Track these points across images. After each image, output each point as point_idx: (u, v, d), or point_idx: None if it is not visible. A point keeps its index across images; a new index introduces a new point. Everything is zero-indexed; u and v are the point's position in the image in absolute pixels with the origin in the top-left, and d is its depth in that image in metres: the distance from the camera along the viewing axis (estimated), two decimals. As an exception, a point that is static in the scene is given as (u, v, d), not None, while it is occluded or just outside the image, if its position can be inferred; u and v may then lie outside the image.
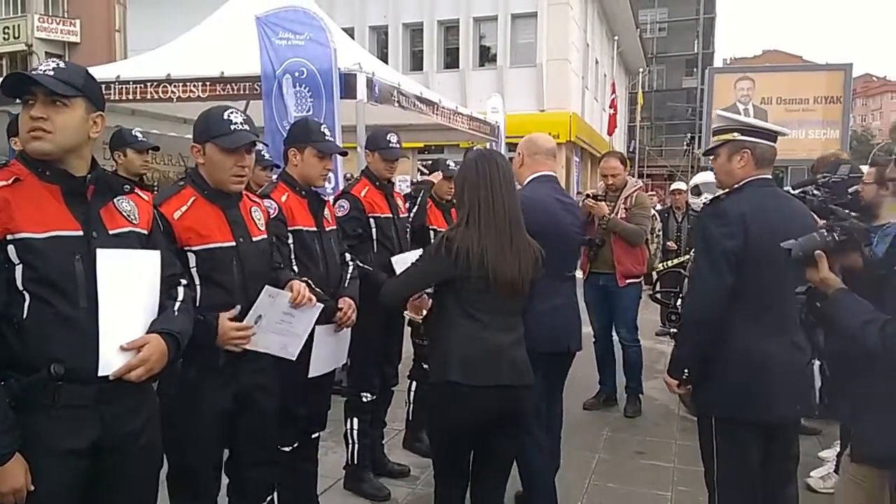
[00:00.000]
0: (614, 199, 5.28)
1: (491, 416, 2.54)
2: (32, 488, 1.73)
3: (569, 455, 3.89)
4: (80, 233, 1.83)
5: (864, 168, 3.51)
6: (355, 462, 3.79)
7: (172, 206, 2.32)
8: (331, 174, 3.52)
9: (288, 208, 2.94)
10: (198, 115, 2.48)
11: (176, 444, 2.25)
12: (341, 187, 4.48)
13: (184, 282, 2.16)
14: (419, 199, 4.29)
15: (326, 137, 3.09)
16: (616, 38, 27.31)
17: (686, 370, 2.63)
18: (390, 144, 3.72)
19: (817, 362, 3.01)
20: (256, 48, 5.23)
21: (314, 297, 2.57)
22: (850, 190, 2.52)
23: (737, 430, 2.54)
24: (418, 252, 2.85)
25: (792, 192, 2.93)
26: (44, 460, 1.75)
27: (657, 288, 7.09)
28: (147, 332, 1.93)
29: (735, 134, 2.58)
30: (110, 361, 1.83)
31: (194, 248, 2.32)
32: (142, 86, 5.83)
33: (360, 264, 3.37)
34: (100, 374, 1.81)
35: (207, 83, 5.66)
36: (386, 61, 15.99)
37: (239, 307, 2.36)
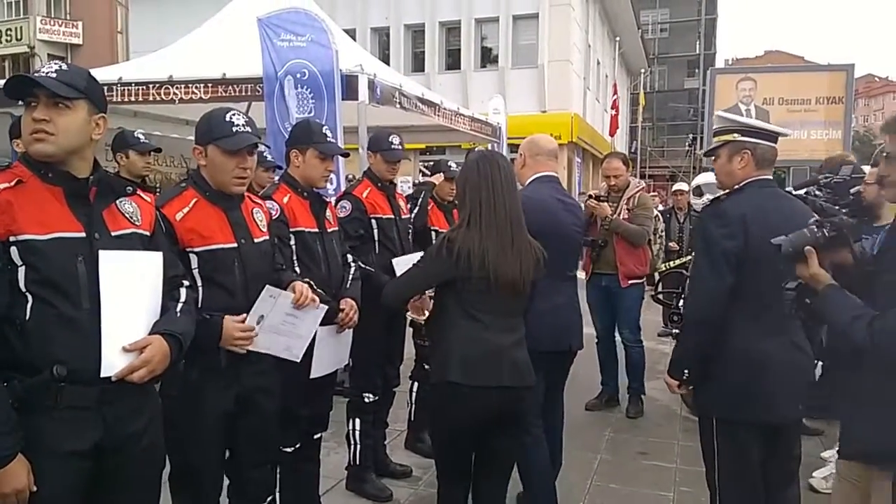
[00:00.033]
0: (617, 200, 5.28)
1: (491, 417, 2.55)
2: (35, 489, 1.74)
3: (571, 456, 3.89)
4: (83, 234, 1.84)
5: (866, 168, 3.51)
6: (357, 463, 3.79)
7: (174, 208, 2.33)
8: (332, 175, 3.52)
9: (290, 209, 2.94)
10: (200, 117, 2.49)
11: (178, 444, 2.26)
12: (343, 188, 4.48)
13: (186, 283, 2.17)
14: (420, 199, 4.30)
15: (328, 139, 3.10)
16: (618, 38, 27.30)
17: (686, 370, 2.63)
18: (392, 146, 3.73)
19: (819, 362, 3.01)
20: (258, 50, 5.23)
21: (317, 298, 2.58)
22: (851, 191, 2.52)
23: (737, 431, 2.54)
24: (419, 255, 2.86)
25: (794, 192, 2.93)
26: (46, 461, 1.76)
27: (659, 289, 7.09)
28: (149, 334, 1.93)
29: (735, 135, 2.59)
30: (113, 363, 1.83)
31: (196, 250, 2.32)
32: (144, 87, 5.84)
33: (362, 265, 3.37)
34: (102, 375, 1.82)
35: (209, 85, 5.67)
36: (387, 63, 16.01)
37: (246, 314, 2.37)
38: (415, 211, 4.22)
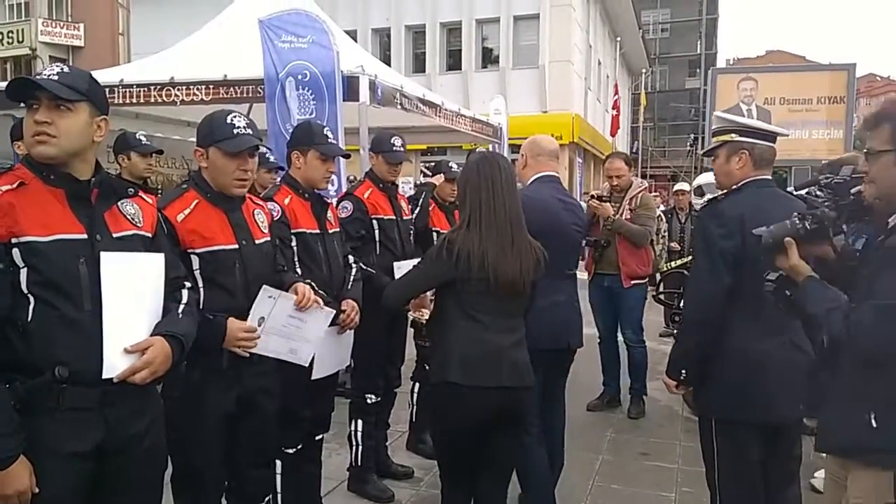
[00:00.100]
0: (619, 200, 5.28)
1: (491, 417, 2.55)
2: (37, 490, 1.74)
3: (572, 456, 3.89)
4: (85, 236, 1.84)
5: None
6: (359, 464, 3.79)
7: (176, 209, 2.33)
8: (334, 176, 3.52)
9: (291, 211, 2.95)
10: (201, 119, 2.50)
11: (180, 445, 2.26)
12: (344, 189, 4.49)
13: (188, 284, 2.17)
14: (421, 200, 4.30)
15: (329, 140, 3.10)
16: (619, 39, 27.31)
17: (684, 371, 2.63)
18: (394, 148, 3.73)
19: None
20: (259, 51, 5.24)
21: (321, 300, 2.58)
22: (852, 191, 2.51)
23: (737, 431, 2.55)
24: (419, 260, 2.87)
25: (794, 192, 2.93)
26: (48, 463, 1.76)
27: (660, 289, 7.09)
28: (151, 335, 1.93)
29: (733, 135, 2.59)
30: (114, 364, 1.84)
31: (197, 251, 2.33)
32: (145, 89, 5.85)
33: (363, 266, 3.38)
34: (104, 376, 1.82)
35: (210, 86, 5.68)
36: (388, 64, 16.03)
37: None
38: (416, 212, 4.22)
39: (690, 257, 7.27)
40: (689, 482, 3.98)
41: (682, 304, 5.07)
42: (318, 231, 3.04)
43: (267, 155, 4.28)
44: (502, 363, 2.56)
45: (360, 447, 3.76)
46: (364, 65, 5.61)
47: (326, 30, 5.24)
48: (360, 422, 3.76)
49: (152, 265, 2.00)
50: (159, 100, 5.84)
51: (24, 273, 1.76)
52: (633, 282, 5.21)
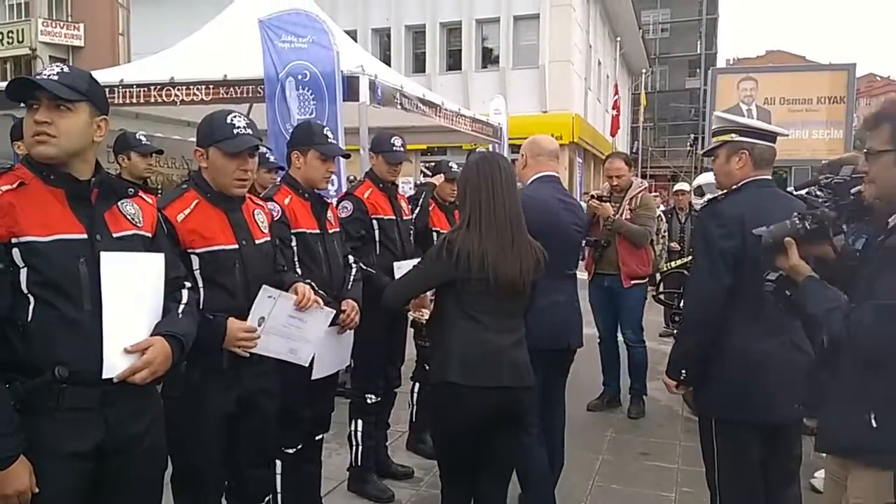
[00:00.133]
0: (619, 200, 5.28)
1: (491, 417, 2.55)
2: (37, 490, 1.74)
3: (572, 456, 3.89)
4: (85, 236, 1.84)
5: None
6: (359, 464, 3.79)
7: (176, 209, 2.33)
8: (334, 176, 3.52)
9: (291, 211, 2.95)
10: (201, 119, 2.50)
11: (180, 445, 2.26)
12: (344, 189, 4.49)
13: (188, 284, 2.18)
14: (421, 200, 4.30)
15: (329, 140, 3.10)
16: (619, 39, 27.31)
17: (683, 371, 2.63)
18: (394, 148, 3.73)
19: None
20: (259, 51, 5.24)
21: (321, 301, 2.58)
22: (852, 191, 2.51)
23: (737, 431, 2.55)
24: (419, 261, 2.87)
25: (794, 193, 2.93)
26: (48, 463, 1.76)
27: (660, 289, 7.08)
28: (151, 335, 1.93)
29: (733, 135, 2.59)
30: (114, 364, 1.84)
31: (197, 251, 2.33)
32: (145, 89, 5.85)
33: (363, 267, 3.38)
34: (104, 376, 1.82)
35: (210, 86, 5.68)
36: (388, 64, 16.03)
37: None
38: (416, 212, 4.22)
39: (690, 257, 7.26)
40: (689, 482, 3.98)
41: (682, 304, 5.08)
42: (318, 231, 3.04)
43: (267, 155, 4.28)
44: (502, 363, 2.56)
45: (360, 447, 3.77)
46: (364, 65, 5.61)
47: (326, 30, 5.24)
48: (360, 422, 3.76)
49: (152, 265, 2.00)
50: (159, 100, 5.84)
51: (24, 273, 1.76)
52: (633, 282, 5.21)
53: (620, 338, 5.45)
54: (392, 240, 3.71)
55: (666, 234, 8.17)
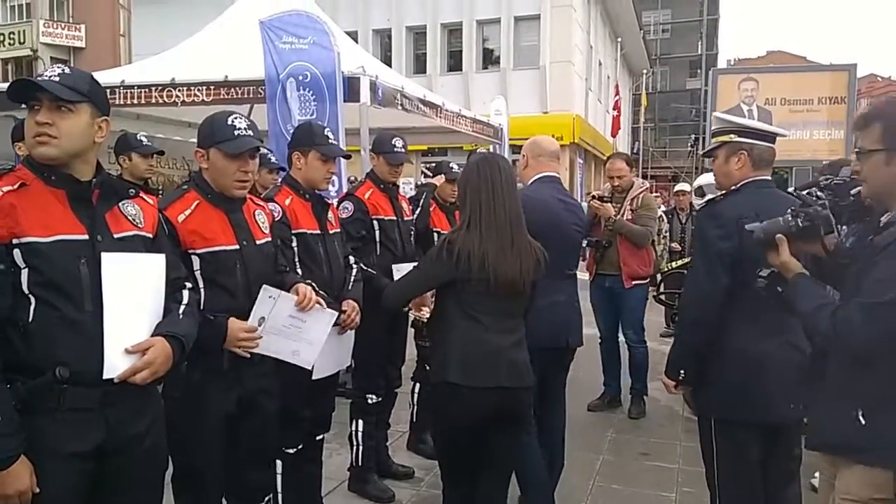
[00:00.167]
0: (620, 201, 5.29)
1: (490, 416, 2.56)
2: (38, 490, 1.74)
3: (573, 456, 3.89)
4: (86, 237, 1.85)
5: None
6: (360, 464, 3.79)
7: (177, 210, 2.34)
8: (334, 177, 3.53)
9: (292, 211, 2.95)
10: (202, 120, 2.50)
11: (180, 446, 2.27)
12: (344, 190, 4.49)
13: (189, 285, 2.18)
14: (422, 201, 4.31)
15: (330, 141, 3.11)
16: (619, 39, 27.31)
17: (682, 371, 2.64)
18: (395, 149, 3.74)
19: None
20: (260, 52, 5.25)
21: (322, 301, 2.58)
22: (852, 192, 2.52)
23: (736, 431, 2.55)
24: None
25: (794, 194, 2.93)
26: (49, 463, 1.76)
27: (661, 289, 7.08)
28: (152, 335, 1.94)
29: (732, 136, 2.60)
30: (115, 364, 1.84)
31: (198, 251, 2.33)
32: (146, 90, 5.86)
33: (364, 267, 3.38)
34: (105, 377, 1.82)
35: (211, 87, 5.68)
36: (389, 64, 16.05)
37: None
38: (417, 212, 4.23)
39: (691, 258, 7.27)
40: (689, 482, 3.98)
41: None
42: (318, 232, 3.04)
43: (269, 156, 4.29)
44: (502, 363, 2.57)
45: (361, 447, 3.77)
46: (365, 66, 5.61)
47: (327, 31, 5.25)
48: (360, 422, 3.76)
49: (153, 266, 2.01)
50: (160, 101, 5.85)
51: (25, 274, 1.76)
52: (634, 282, 5.21)
53: (621, 338, 5.45)
54: (392, 240, 3.72)
55: (667, 234, 8.17)
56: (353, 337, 3.13)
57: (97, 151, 1.94)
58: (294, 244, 2.94)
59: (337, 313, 2.72)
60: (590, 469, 4.27)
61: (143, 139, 4.55)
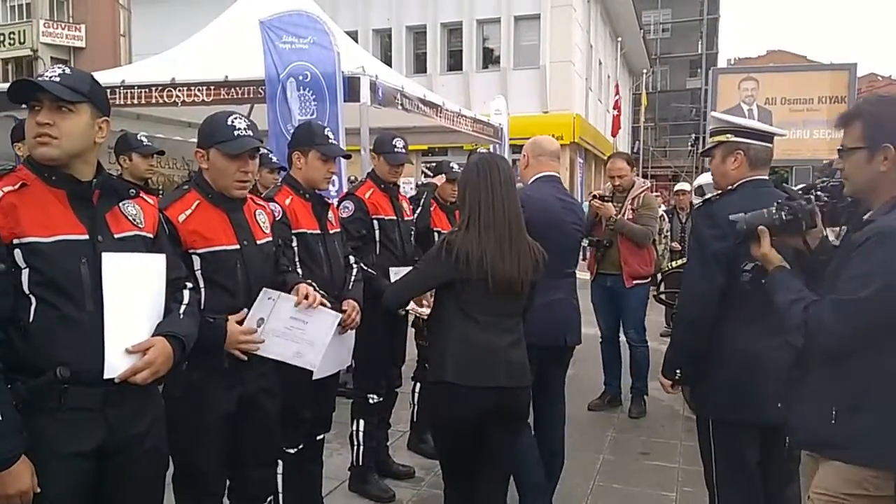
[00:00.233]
0: (621, 200, 5.29)
1: (488, 416, 2.56)
2: (39, 490, 1.75)
3: (573, 456, 3.89)
4: (86, 237, 1.85)
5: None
6: (360, 463, 3.80)
7: (177, 210, 2.34)
8: (334, 177, 3.53)
9: (292, 211, 2.95)
10: (202, 120, 2.50)
11: (181, 446, 2.27)
12: (345, 190, 4.49)
13: (189, 285, 2.18)
14: (422, 201, 4.31)
15: (330, 140, 3.11)
16: (619, 39, 27.29)
17: (678, 370, 2.64)
18: (395, 149, 3.74)
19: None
20: (260, 52, 5.25)
21: (326, 301, 2.58)
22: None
23: (734, 431, 2.55)
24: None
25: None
26: (50, 463, 1.77)
27: (661, 289, 7.08)
28: (152, 335, 1.94)
29: (728, 135, 2.60)
30: (116, 364, 1.84)
31: (199, 251, 2.33)
32: (146, 90, 5.86)
33: (364, 267, 3.38)
34: (105, 376, 1.83)
35: (212, 87, 5.69)
36: (389, 64, 16.04)
37: (246, 310, 2.38)
38: (417, 212, 4.23)
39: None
40: (690, 482, 3.98)
41: (680, 304, 5.08)
42: (318, 231, 3.04)
43: (269, 155, 4.29)
44: (499, 363, 2.57)
45: (362, 447, 3.77)
46: (365, 65, 5.62)
47: (327, 30, 5.25)
48: (361, 422, 3.76)
49: (154, 266, 2.01)
50: (160, 101, 5.85)
51: (25, 274, 1.77)
52: (635, 282, 5.21)
53: (622, 338, 5.45)
54: (392, 240, 3.72)
55: (668, 233, 8.17)
56: (353, 337, 3.12)
57: (97, 152, 1.95)
58: (294, 244, 2.95)
59: (340, 315, 2.72)
60: (590, 468, 4.27)
61: (144, 139, 4.55)
